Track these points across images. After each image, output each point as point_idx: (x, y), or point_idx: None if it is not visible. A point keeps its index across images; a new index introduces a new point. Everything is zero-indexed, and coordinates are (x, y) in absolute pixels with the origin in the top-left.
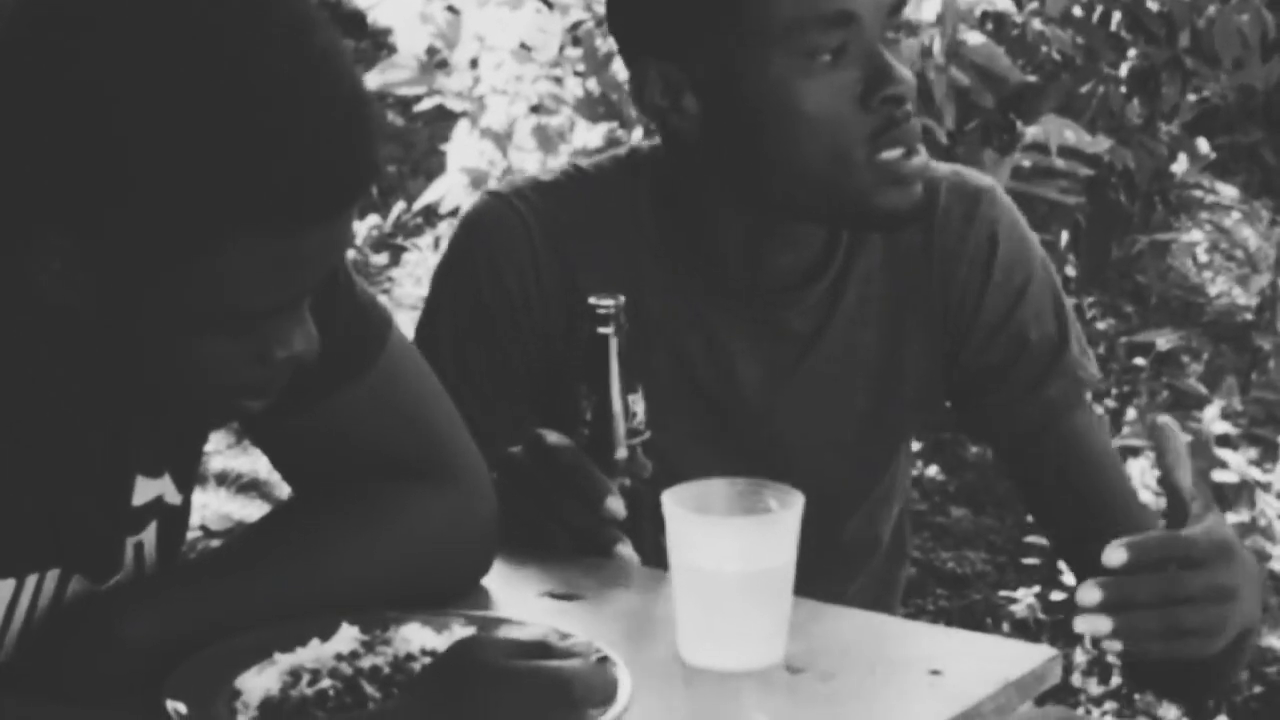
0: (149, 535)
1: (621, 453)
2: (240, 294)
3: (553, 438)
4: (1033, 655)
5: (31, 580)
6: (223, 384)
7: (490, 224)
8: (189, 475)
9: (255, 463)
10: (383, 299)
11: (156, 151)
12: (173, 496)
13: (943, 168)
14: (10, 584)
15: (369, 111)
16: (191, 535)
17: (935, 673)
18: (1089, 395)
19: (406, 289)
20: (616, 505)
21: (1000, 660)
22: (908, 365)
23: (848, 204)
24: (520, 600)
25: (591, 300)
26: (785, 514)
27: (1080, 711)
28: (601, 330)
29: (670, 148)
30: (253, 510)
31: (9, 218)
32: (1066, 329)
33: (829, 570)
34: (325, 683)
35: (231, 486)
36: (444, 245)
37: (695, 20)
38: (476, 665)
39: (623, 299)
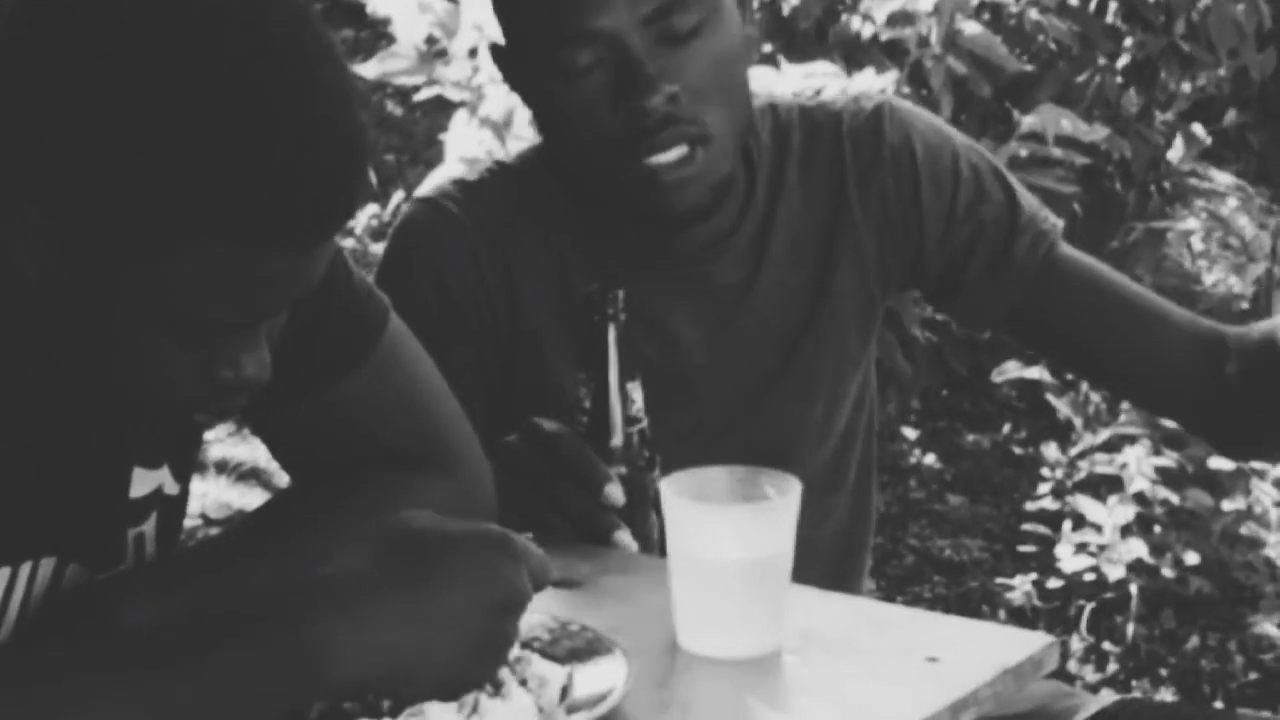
0: (149, 526)
1: (619, 440)
2: (190, 302)
3: (550, 425)
4: (1030, 642)
5: (26, 568)
6: (168, 392)
7: (425, 229)
8: (187, 465)
9: (254, 451)
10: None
11: (129, 142)
12: (171, 487)
13: (839, 99)
14: (5, 571)
15: (357, 152)
16: (191, 523)
17: (932, 660)
18: (1058, 237)
19: None
20: (615, 492)
21: (997, 647)
22: (844, 296)
23: (631, 204)
24: None
25: (589, 290)
26: (783, 501)
27: None
28: (599, 319)
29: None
30: (252, 498)
31: None
32: (1012, 191)
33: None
34: None
35: (231, 475)
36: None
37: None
38: (418, 530)
39: (621, 291)
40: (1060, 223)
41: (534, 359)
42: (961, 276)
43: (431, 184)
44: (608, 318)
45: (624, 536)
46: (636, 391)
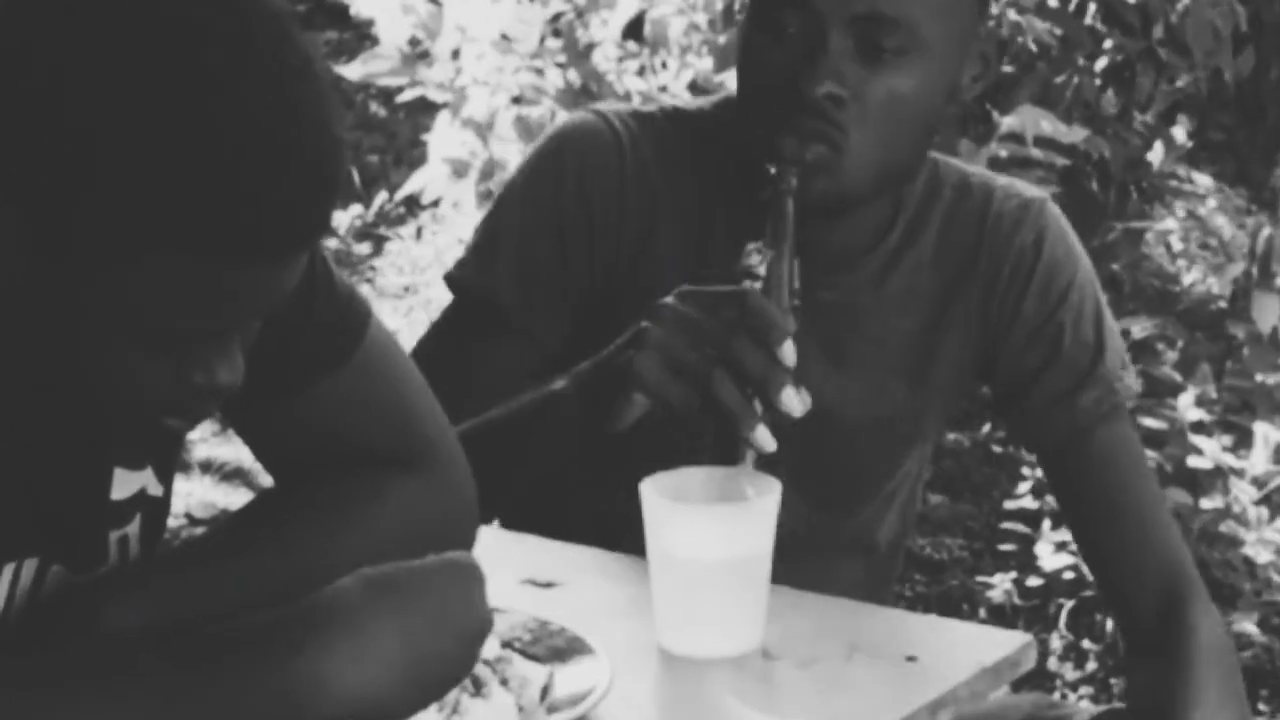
0: (133, 528)
1: (787, 306)
2: (156, 311)
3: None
4: (1008, 641)
5: (9, 569)
6: (137, 398)
7: (588, 136)
8: (169, 466)
9: (239, 451)
10: (365, 288)
11: (97, 145)
12: (154, 488)
13: (1002, 179)
14: None
15: (330, 171)
16: (176, 523)
17: (911, 659)
18: (1126, 408)
19: (389, 278)
20: (790, 351)
21: (975, 646)
22: (941, 359)
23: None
24: (500, 587)
25: (770, 167)
26: (762, 501)
27: (1056, 696)
28: (780, 189)
29: None
30: (237, 498)
31: None
32: (1104, 339)
33: (816, 559)
34: None
35: (216, 474)
36: (427, 234)
37: None
38: (396, 568)
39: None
40: (1137, 389)
41: (638, 301)
42: (1025, 397)
43: (607, 102)
44: (785, 191)
45: (790, 398)
46: (797, 273)
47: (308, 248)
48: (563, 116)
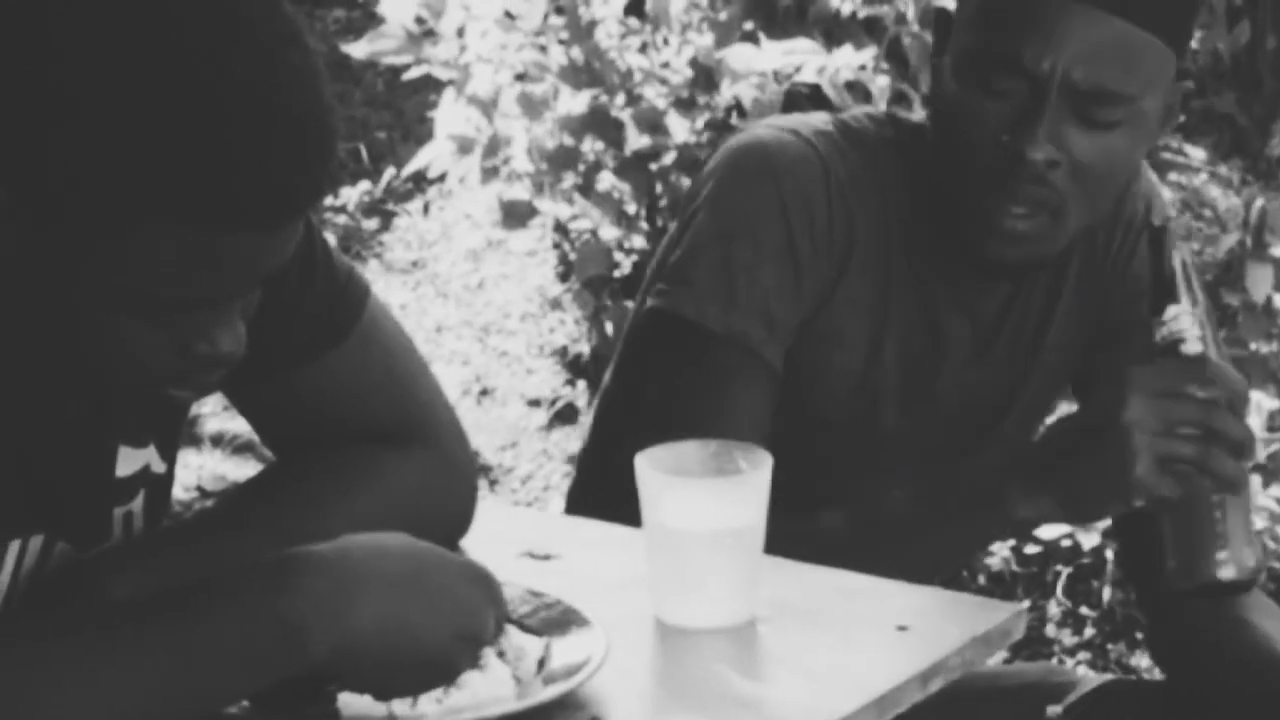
0: (137, 505)
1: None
2: (154, 280)
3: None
4: (998, 610)
5: (14, 546)
6: (141, 370)
7: (799, 161)
8: (172, 444)
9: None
10: (374, 263)
11: (90, 117)
12: (158, 465)
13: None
14: None
15: (322, 135)
16: (188, 496)
17: (903, 628)
18: None
19: (397, 253)
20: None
21: (966, 615)
22: (1056, 331)
23: (961, 230)
24: (499, 560)
25: (1155, 226)
26: (755, 474)
27: (1054, 662)
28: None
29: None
30: (246, 471)
31: None
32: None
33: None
34: None
35: (226, 448)
36: (434, 209)
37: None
38: (412, 541)
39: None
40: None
41: (828, 325)
42: (1109, 348)
43: (772, 122)
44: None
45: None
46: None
47: (301, 214)
48: (745, 135)
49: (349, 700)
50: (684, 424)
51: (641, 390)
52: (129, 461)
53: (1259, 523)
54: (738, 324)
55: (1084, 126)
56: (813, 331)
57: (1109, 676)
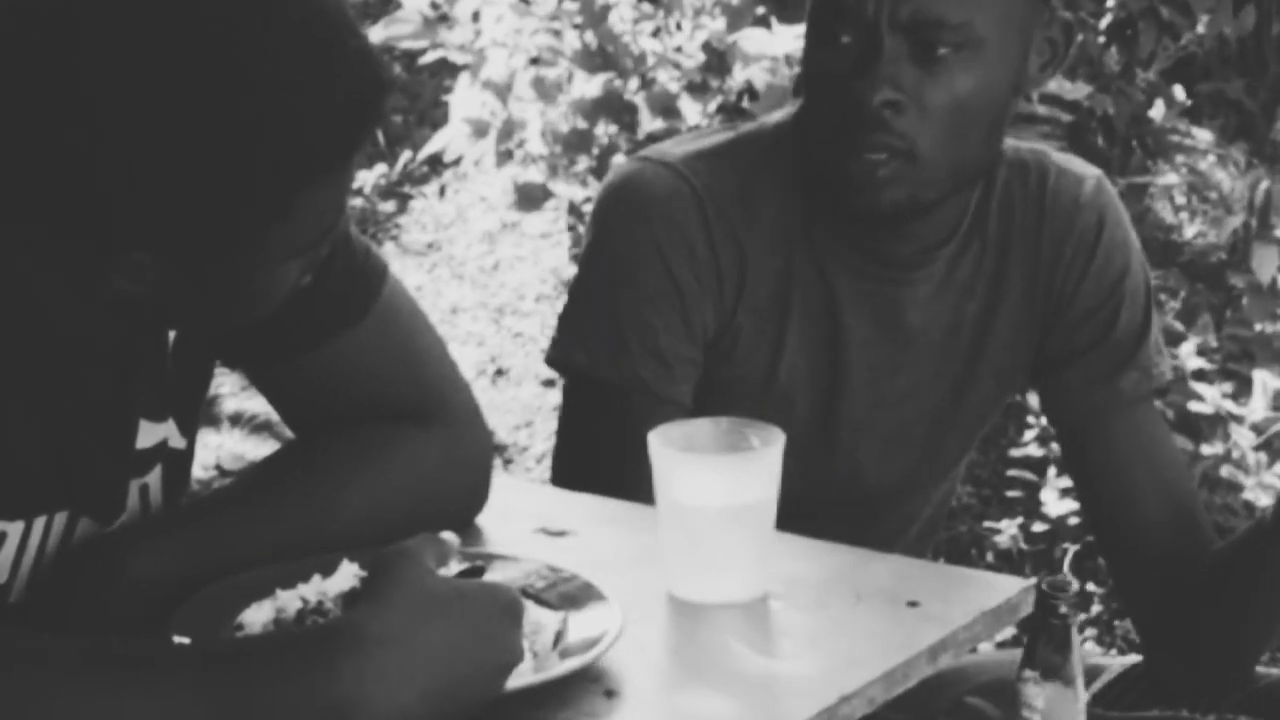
0: (154, 478)
1: None
2: (318, 228)
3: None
4: (1006, 586)
5: (40, 522)
6: (287, 291)
7: (670, 197)
8: (192, 420)
9: (267, 404)
10: (390, 245)
11: (275, 126)
12: (177, 441)
13: (1056, 155)
14: (20, 526)
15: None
16: (207, 475)
17: (913, 604)
18: (1154, 393)
19: (414, 235)
20: None
21: (975, 591)
22: (996, 340)
23: (830, 190)
24: (514, 536)
25: (1045, 585)
26: (767, 451)
27: None
28: (1060, 618)
29: None
30: (265, 450)
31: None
32: (1150, 323)
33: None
34: (325, 616)
35: (245, 427)
36: (449, 192)
37: None
38: (437, 589)
39: (1075, 585)
40: (1169, 376)
41: (739, 341)
42: (1066, 369)
43: (656, 148)
44: (1067, 623)
45: None
46: (1082, 698)
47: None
48: (619, 172)
49: None
50: (608, 480)
51: (566, 442)
52: (147, 435)
53: (1263, 499)
54: (630, 370)
55: (922, 64)
56: (719, 351)
57: (1134, 659)
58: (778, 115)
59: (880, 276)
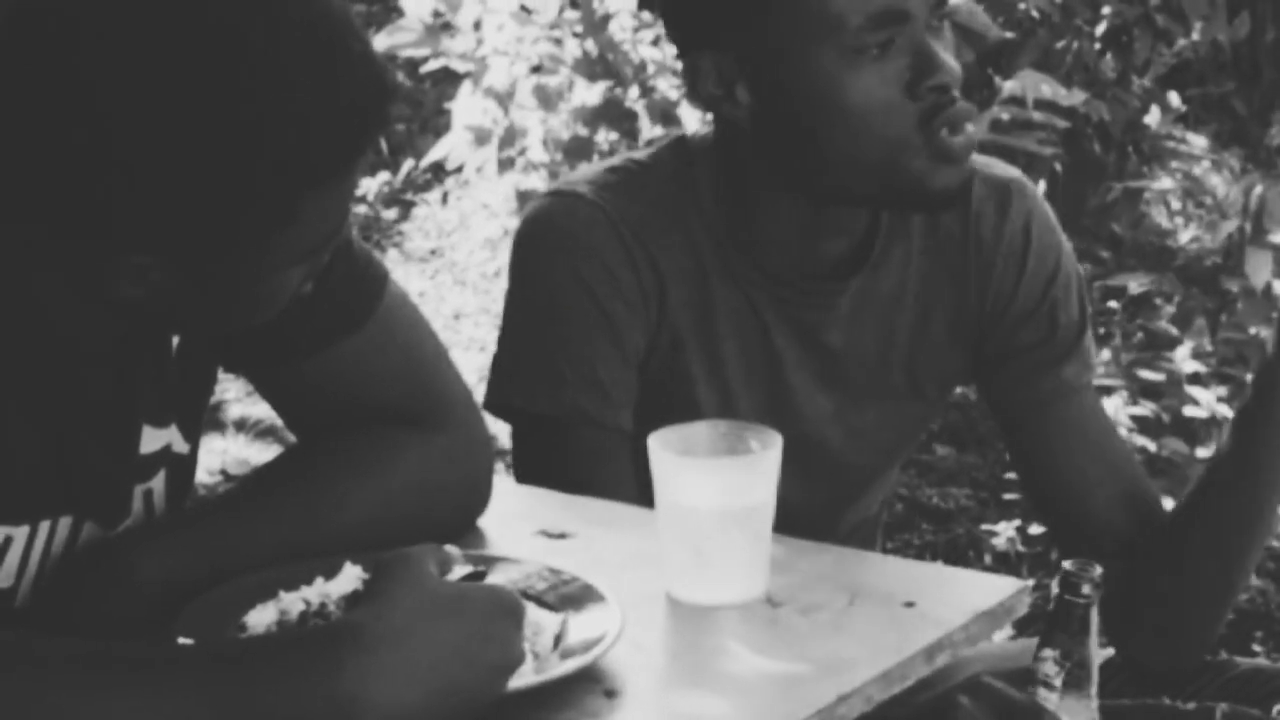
0: (158, 483)
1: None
2: (322, 232)
3: (1012, 691)
4: (1002, 587)
5: (44, 527)
6: (290, 295)
7: (586, 227)
8: (196, 424)
9: (272, 410)
10: (393, 252)
11: (282, 130)
12: (180, 446)
13: (976, 160)
14: (24, 530)
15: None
16: (212, 480)
17: (909, 605)
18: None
19: (416, 242)
20: None
21: (971, 592)
22: (933, 348)
23: (903, 187)
24: (515, 539)
25: (1069, 566)
26: (765, 454)
27: None
28: (1083, 600)
29: (724, 137)
30: (270, 455)
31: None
32: (1085, 314)
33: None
34: (328, 618)
35: (249, 432)
36: (452, 199)
37: (748, 12)
38: (441, 591)
39: (1099, 568)
40: (1097, 366)
41: (669, 364)
42: (1008, 363)
43: (564, 180)
44: (1088, 604)
45: None
46: (1096, 674)
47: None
48: (534, 208)
49: None
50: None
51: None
52: (150, 440)
53: None
54: (571, 401)
55: (940, 34)
56: (649, 375)
57: (1111, 651)
58: (671, 138)
59: (797, 301)
